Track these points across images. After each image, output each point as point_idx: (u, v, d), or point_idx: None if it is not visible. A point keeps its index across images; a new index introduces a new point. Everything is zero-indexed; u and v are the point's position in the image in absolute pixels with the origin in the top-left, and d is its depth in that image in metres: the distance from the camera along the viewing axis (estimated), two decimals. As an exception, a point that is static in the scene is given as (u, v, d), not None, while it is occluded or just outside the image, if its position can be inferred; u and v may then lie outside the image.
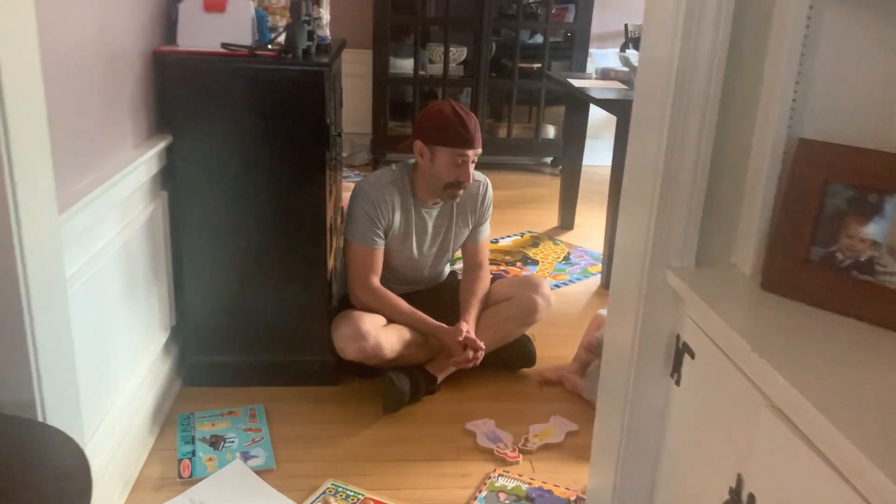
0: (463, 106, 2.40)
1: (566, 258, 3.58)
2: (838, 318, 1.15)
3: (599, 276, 3.37)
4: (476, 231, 2.58)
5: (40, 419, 1.30)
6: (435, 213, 2.48)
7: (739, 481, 1.10)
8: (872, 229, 1.13)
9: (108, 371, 1.83)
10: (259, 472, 1.98)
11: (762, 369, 1.02)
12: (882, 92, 1.24)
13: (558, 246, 3.73)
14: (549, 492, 1.97)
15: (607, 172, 5.23)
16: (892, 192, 1.11)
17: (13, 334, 1.21)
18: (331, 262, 2.42)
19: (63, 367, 1.37)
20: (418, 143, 2.37)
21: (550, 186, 4.73)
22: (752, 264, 1.29)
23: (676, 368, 1.34)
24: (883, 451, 0.83)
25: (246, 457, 2.04)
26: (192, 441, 2.09)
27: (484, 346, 2.34)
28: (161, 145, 2.09)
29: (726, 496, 1.12)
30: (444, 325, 2.37)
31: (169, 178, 2.18)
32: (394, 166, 2.49)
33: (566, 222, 3.99)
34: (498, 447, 2.13)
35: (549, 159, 5.36)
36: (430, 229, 2.48)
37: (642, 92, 1.35)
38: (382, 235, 2.40)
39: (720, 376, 1.18)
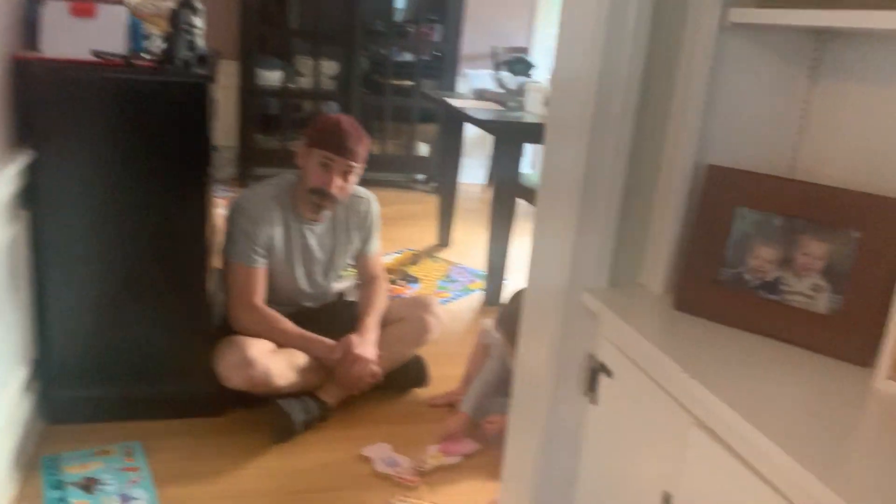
0: (358, 125, 2.35)
1: (447, 275, 3.59)
2: (748, 336, 1.20)
3: (480, 292, 3.40)
4: (366, 245, 2.53)
5: None
6: (318, 230, 2.40)
7: (667, 499, 1.12)
8: (777, 252, 1.19)
9: (-35, 414, 1.62)
10: (141, 515, 1.83)
11: (693, 389, 1.04)
12: (777, 122, 1.32)
13: (438, 263, 3.74)
14: (451, 515, 1.94)
15: (478, 190, 5.36)
16: (795, 216, 1.17)
17: None
18: (209, 286, 2.29)
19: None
20: (301, 146, 2.34)
21: (425, 203, 4.75)
22: (661, 284, 1.33)
23: (592, 387, 1.36)
24: (813, 458, 0.87)
25: (125, 499, 1.87)
26: (61, 486, 1.89)
27: (379, 370, 2.29)
28: (22, 161, 1.89)
29: (653, 515, 1.14)
30: (332, 342, 2.29)
31: (31, 197, 1.98)
32: (274, 180, 2.40)
33: (444, 239, 4.02)
34: (396, 472, 2.08)
35: (421, 176, 5.38)
36: (314, 247, 2.41)
37: (558, 110, 1.37)
38: (264, 253, 2.30)
39: (641, 395, 1.20)
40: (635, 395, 1.23)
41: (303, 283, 2.43)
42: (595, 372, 1.35)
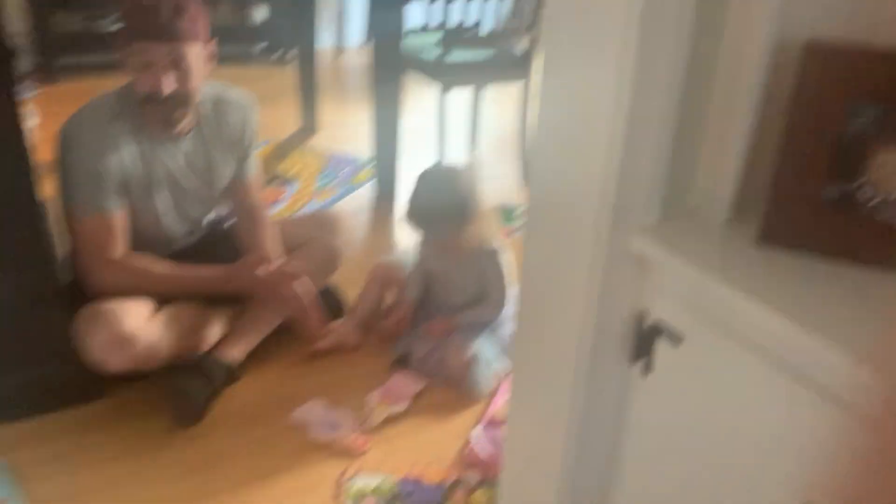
0: None
1: (325, 169, 3.09)
2: (875, 276, 0.90)
3: (370, 184, 2.95)
4: (241, 167, 1.99)
5: None
6: (184, 147, 1.84)
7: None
8: (910, 156, 0.88)
9: None
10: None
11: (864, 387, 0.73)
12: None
13: (311, 154, 3.21)
14: (419, 481, 1.63)
15: (329, 57, 4.72)
16: (939, 106, 0.85)
17: None
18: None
19: None
20: (118, 39, 1.70)
21: (272, 79, 4.09)
22: (727, 209, 0.99)
23: (641, 355, 1.03)
24: None
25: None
26: None
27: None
28: None
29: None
30: (227, 266, 1.83)
31: None
32: (110, 93, 1.78)
33: (310, 123, 3.46)
34: (339, 436, 1.72)
35: (261, 45, 4.65)
36: (181, 172, 1.85)
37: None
38: (117, 195, 1.74)
39: (744, 372, 0.89)
40: (731, 369, 0.91)
41: (171, 221, 1.88)
42: (648, 336, 1.01)
